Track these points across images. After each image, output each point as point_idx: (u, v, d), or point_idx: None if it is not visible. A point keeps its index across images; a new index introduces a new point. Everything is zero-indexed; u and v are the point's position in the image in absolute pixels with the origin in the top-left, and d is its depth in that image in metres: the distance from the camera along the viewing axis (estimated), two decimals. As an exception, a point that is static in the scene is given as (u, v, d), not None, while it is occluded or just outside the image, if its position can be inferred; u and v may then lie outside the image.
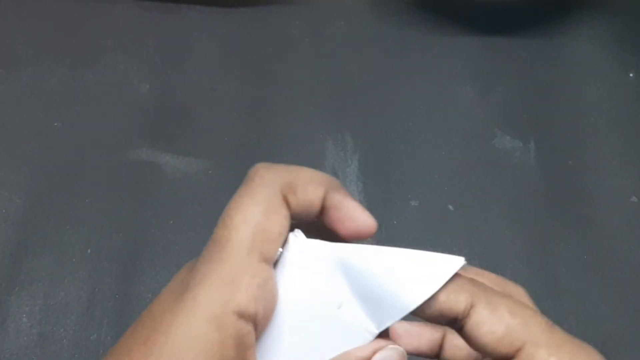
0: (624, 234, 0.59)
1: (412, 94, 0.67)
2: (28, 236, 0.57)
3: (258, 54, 0.69)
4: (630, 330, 0.54)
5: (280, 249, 0.25)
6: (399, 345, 0.27)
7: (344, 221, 0.26)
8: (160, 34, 0.70)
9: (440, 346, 0.31)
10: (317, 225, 0.27)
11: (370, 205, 0.59)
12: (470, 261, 0.61)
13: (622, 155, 0.64)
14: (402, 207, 0.60)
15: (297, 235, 0.26)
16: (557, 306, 0.55)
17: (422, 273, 0.25)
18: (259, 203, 0.24)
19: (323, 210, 0.26)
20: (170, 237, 0.57)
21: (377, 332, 0.26)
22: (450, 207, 0.60)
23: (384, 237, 0.58)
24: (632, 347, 0.53)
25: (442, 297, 0.25)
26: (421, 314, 0.25)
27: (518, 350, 0.24)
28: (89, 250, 0.56)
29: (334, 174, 0.61)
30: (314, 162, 0.62)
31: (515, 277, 0.56)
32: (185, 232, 0.58)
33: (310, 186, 0.25)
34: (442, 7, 0.73)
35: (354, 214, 0.26)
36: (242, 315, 0.23)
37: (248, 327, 0.23)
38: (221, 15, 0.72)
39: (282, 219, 0.24)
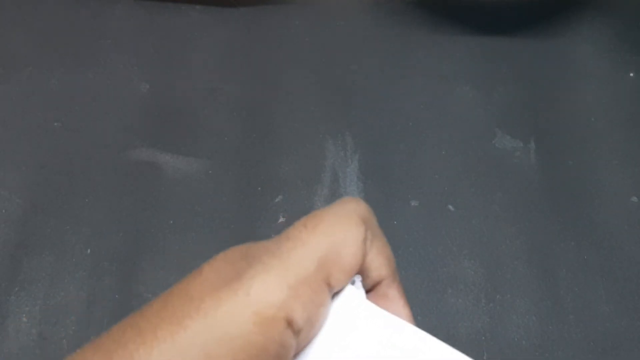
0: (624, 233, 0.59)
1: (412, 94, 0.67)
2: (28, 236, 0.57)
3: (258, 54, 0.69)
4: (631, 330, 0.54)
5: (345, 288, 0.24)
6: None
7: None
8: (160, 34, 0.70)
9: None
10: None
11: (370, 205, 0.59)
12: (470, 261, 0.61)
13: (623, 155, 0.64)
14: (402, 207, 0.60)
15: (357, 287, 0.24)
16: (557, 306, 0.55)
17: None
18: (347, 232, 0.22)
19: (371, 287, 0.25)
20: (170, 237, 0.57)
21: None
22: (451, 207, 0.60)
23: (384, 237, 0.58)
24: (633, 347, 0.53)
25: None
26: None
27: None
28: (89, 250, 0.56)
29: (334, 174, 0.61)
30: (314, 162, 0.62)
31: (515, 277, 0.56)
32: (185, 232, 0.58)
33: (378, 264, 0.24)
34: (442, 7, 0.73)
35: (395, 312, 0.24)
36: (290, 325, 0.21)
37: (292, 341, 0.21)
38: (221, 15, 0.72)
39: (358, 259, 0.22)
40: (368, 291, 0.25)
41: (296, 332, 0.21)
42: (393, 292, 0.24)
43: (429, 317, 0.54)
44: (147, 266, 0.56)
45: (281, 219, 0.59)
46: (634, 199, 0.61)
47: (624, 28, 0.72)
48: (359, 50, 0.70)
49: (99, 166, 0.61)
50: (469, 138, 0.64)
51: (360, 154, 0.63)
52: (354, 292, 0.24)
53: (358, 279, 0.24)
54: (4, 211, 0.58)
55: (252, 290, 0.20)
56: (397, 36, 0.71)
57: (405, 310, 0.25)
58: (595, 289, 0.56)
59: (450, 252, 0.57)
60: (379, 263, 0.24)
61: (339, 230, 0.22)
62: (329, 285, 0.22)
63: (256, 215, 0.59)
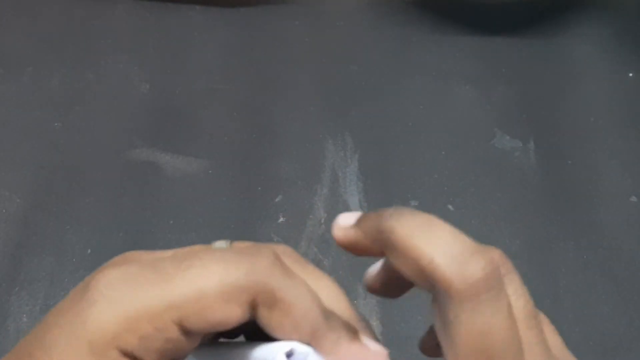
0: (623, 233, 0.59)
1: (412, 94, 0.67)
2: (28, 236, 0.57)
3: (258, 54, 0.69)
4: (630, 330, 0.54)
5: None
6: None
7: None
8: (160, 34, 0.70)
9: None
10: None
11: (370, 205, 0.59)
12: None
13: (622, 155, 0.64)
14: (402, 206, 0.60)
15: (293, 354, 0.21)
16: (557, 306, 0.55)
17: None
18: (226, 282, 0.20)
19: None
20: (170, 237, 0.57)
21: None
22: (450, 207, 0.60)
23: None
24: (632, 346, 0.53)
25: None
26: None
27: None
28: (89, 250, 0.56)
29: (334, 174, 0.61)
30: (314, 162, 0.62)
31: (515, 277, 0.56)
32: (185, 232, 0.58)
33: (291, 318, 0.21)
34: (442, 7, 0.73)
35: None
36: (127, 355, 0.20)
37: None
38: (221, 15, 0.72)
39: (232, 314, 0.20)
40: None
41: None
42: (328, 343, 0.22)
43: (429, 317, 0.54)
44: (147, 266, 0.56)
45: (281, 219, 0.59)
46: (633, 198, 0.61)
47: (623, 28, 0.72)
48: (359, 50, 0.70)
49: (99, 166, 0.61)
50: (468, 138, 0.64)
51: (360, 154, 0.63)
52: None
53: (297, 348, 0.21)
54: (4, 211, 0.58)
55: (88, 319, 0.20)
56: (397, 36, 0.71)
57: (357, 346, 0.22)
58: (594, 289, 0.56)
59: (450, 252, 0.57)
60: (286, 329, 0.21)
61: (213, 281, 0.20)
62: (181, 326, 0.20)
63: (256, 215, 0.59)
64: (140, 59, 0.68)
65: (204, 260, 0.21)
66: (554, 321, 0.54)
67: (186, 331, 0.20)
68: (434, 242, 0.22)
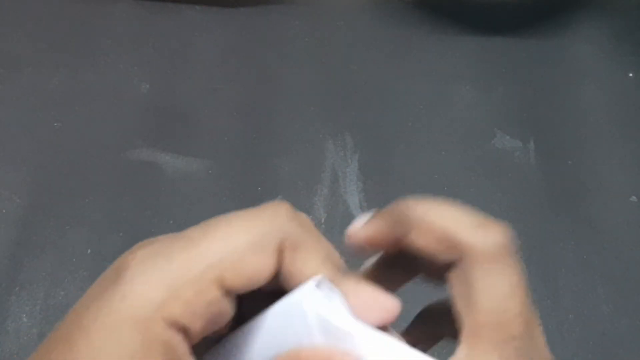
0: (623, 233, 0.59)
1: (412, 94, 0.67)
2: (28, 236, 0.57)
3: (258, 54, 0.69)
4: (630, 329, 0.54)
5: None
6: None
7: (367, 309, 0.22)
8: (160, 34, 0.70)
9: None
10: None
11: (370, 205, 0.59)
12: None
13: (622, 155, 0.64)
14: (402, 207, 0.60)
15: (320, 285, 0.22)
16: (557, 306, 0.55)
17: None
18: (252, 236, 0.21)
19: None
20: (170, 237, 0.57)
21: None
22: (450, 207, 0.60)
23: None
24: (632, 346, 0.53)
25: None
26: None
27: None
28: (89, 250, 0.56)
29: (334, 174, 0.61)
30: (314, 162, 0.62)
31: (515, 277, 0.56)
32: (185, 232, 0.58)
33: (312, 258, 0.22)
34: (442, 7, 0.73)
35: (377, 301, 0.22)
36: (174, 325, 0.20)
37: (178, 338, 0.21)
38: (221, 15, 0.72)
39: (263, 265, 0.21)
40: None
41: (182, 330, 0.21)
42: (351, 284, 0.23)
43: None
44: (147, 266, 0.56)
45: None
46: (633, 198, 0.61)
47: (623, 29, 0.72)
48: (359, 50, 0.70)
49: (99, 166, 0.61)
50: (468, 138, 0.64)
51: (360, 154, 0.63)
52: (310, 289, 0.22)
53: (325, 280, 0.23)
54: (4, 211, 0.58)
55: (128, 294, 0.20)
56: (397, 36, 0.71)
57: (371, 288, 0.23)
58: (594, 289, 0.56)
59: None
60: (312, 266, 0.22)
61: (242, 235, 0.21)
62: (222, 287, 0.21)
63: (256, 215, 0.59)
64: (140, 58, 0.68)
65: (228, 220, 0.21)
66: (554, 321, 0.54)
67: (225, 290, 0.21)
68: (455, 215, 0.24)
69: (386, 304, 0.22)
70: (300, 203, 0.59)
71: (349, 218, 0.58)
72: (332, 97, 0.67)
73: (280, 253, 0.22)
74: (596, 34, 0.72)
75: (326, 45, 0.71)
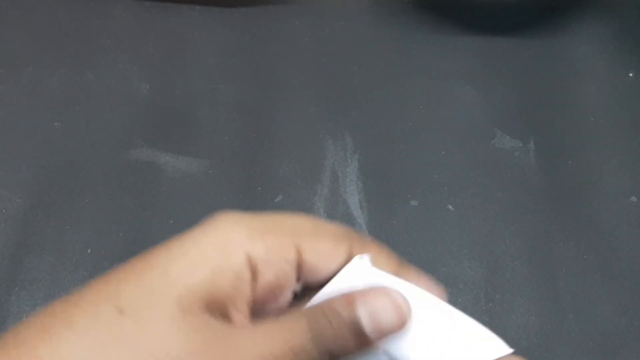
0: (624, 233, 0.59)
1: (412, 94, 0.67)
2: (28, 236, 0.57)
3: (258, 53, 0.69)
4: (631, 330, 0.54)
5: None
6: None
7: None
8: (160, 34, 0.70)
9: None
10: None
11: (370, 205, 0.59)
12: (470, 261, 0.61)
13: (622, 155, 0.64)
14: (402, 207, 0.60)
15: (363, 259, 0.25)
16: (556, 306, 0.55)
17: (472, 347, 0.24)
18: (327, 226, 0.24)
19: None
20: (170, 237, 0.57)
21: None
22: (450, 207, 0.60)
23: (384, 237, 0.58)
24: (633, 347, 0.53)
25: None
26: None
27: None
28: (89, 250, 0.56)
29: (334, 174, 0.61)
30: (314, 162, 0.62)
31: (514, 277, 0.56)
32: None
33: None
34: (442, 6, 0.73)
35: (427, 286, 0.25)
36: (250, 262, 0.23)
37: (248, 276, 0.23)
38: (221, 15, 0.72)
39: (333, 248, 0.24)
40: None
41: (254, 271, 0.22)
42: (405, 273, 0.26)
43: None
44: (147, 266, 0.56)
45: (281, 219, 0.59)
46: (633, 198, 0.61)
47: (623, 28, 0.72)
48: (359, 50, 0.70)
49: (99, 166, 0.61)
50: (468, 138, 0.64)
51: (360, 154, 0.63)
52: (360, 261, 0.24)
53: (367, 257, 0.25)
54: (4, 211, 0.58)
55: (218, 225, 0.24)
56: (397, 36, 0.71)
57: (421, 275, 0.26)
58: (594, 289, 0.56)
59: (450, 252, 0.57)
60: (380, 257, 0.25)
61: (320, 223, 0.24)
62: (297, 249, 0.23)
63: (256, 215, 0.59)
64: (140, 58, 0.68)
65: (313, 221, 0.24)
66: (553, 321, 0.54)
67: (299, 263, 0.23)
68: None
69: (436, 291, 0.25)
70: (300, 203, 0.59)
71: (349, 218, 0.58)
72: (332, 97, 0.67)
73: (349, 254, 0.24)
74: (597, 33, 0.72)
75: (326, 45, 0.70)
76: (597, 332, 0.54)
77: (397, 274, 0.26)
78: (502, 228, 0.59)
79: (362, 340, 0.22)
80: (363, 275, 0.24)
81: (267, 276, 0.23)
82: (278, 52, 0.69)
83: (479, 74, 0.69)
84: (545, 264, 0.57)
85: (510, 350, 0.24)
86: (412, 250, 0.57)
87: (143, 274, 0.23)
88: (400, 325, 0.23)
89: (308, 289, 0.25)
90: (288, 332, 0.21)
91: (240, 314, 0.22)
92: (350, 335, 0.22)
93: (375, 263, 0.26)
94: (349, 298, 0.23)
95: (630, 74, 0.69)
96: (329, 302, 0.23)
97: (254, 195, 0.60)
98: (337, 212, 0.59)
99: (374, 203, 0.59)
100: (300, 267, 0.23)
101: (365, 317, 0.22)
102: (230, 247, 0.23)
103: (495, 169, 0.62)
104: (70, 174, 0.60)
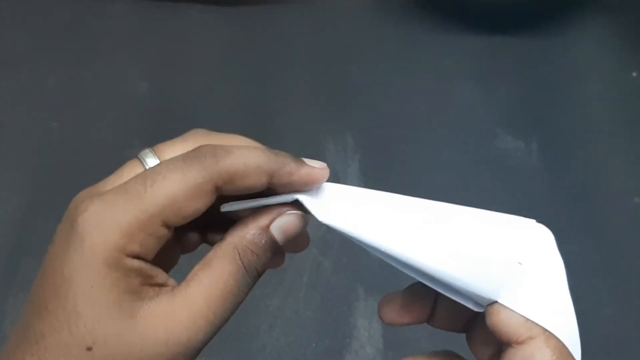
0: (627, 234, 0.58)
1: (413, 94, 0.67)
2: (26, 237, 0.56)
3: (258, 53, 0.69)
4: (634, 332, 0.53)
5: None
6: None
7: (303, 183, 0.28)
8: (159, 33, 0.70)
9: (431, 313, 0.32)
10: None
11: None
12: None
13: (625, 156, 0.63)
14: (403, 208, 0.59)
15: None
16: (559, 308, 0.54)
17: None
18: (187, 184, 0.25)
19: (272, 185, 0.28)
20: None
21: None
22: (452, 207, 0.59)
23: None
24: (636, 349, 0.53)
25: None
26: None
27: None
28: (87, 251, 0.56)
29: (334, 174, 0.61)
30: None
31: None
32: (184, 233, 0.57)
33: (250, 177, 0.27)
34: (443, 6, 0.72)
35: (310, 174, 0.28)
36: (135, 257, 0.25)
37: (141, 263, 0.25)
38: (221, 15, 0.71)
39: (201, 204, 0.26)
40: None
41: (141, 259, 0.25)
42: (286, 177, 0.28)
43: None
44: (145, 267, 0.55)
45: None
46: (637, 199, 0.61)
47: (626, 27, 0.72)
48: (359, 50, 0.70)
49: (96, 166, 0.60)
50: (470, 138, 0.64)
51: (361, 154, 0.62)
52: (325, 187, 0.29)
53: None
54: (1, 212, 0.58)
55: (96, 242, 0.25)
56: (397, 36, 0.71)
57: (302, 166, 0.29)
58: (597, 291, 0.55)
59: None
60: (249, 181, 0.27)
61: (178, 186, 0.25)
62: (167, 225, 0.25)
63: (256, 216, 0.58)
64: (139, 57, 0.68)
65: (162, 174, 0.25)
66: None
67: (170, 226, 0.26)
68: None
69: (316, 172, 0.29)
70: (301, 204, 0.59)
71: (349, 219, 0.58)
72: (332, 97, 0.66)
73: (218, 189, 0.26)
74: (599, 33, 0.71)
75: (326, 45, 0.70)
76: (600, 335, 0.53)
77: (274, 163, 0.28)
78: (504, 229, 0.59)
79: (277, 249, 0.28)
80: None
81: (151, 254, 0.25)
82: (278, 52, 0.69)
83: (481, 74, 0.68)
84: (548, 265, 0.57)
85: None
86: (413, 252, 0.57)
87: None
88: (301, 227, 0.29)
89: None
90: (227, 276, 0.26)
91: (167, 279, 0.26)
92: (269, 252, 0.28)
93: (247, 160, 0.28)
94: (262, 225, 0.28)
95: (634, 74, 0.69)
96: (250, 238, 0.27)
97: (254, 196, 0.59)
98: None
99: (374, 204, 0.59)
100: (171, 228, 0.26)
101: (278, 234, 0.28)
102: (116, 259, 0.25)
103: (497, 169, 0.62)
104: (67, 174, 0.60)
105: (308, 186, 0.28)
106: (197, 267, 0.27)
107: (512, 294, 0.27)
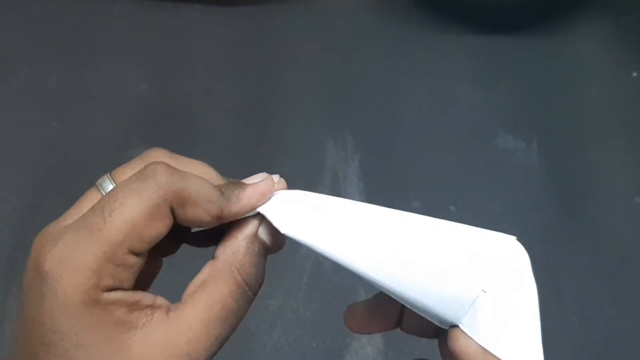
0: (627, 234, 0.58)
1: (413, 94, 0.67)
2: (25, 237, 0.56)
3: (258, 53, 0.69)
4: (634, 331, 0.53)
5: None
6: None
7: (255, 201, 0.28)
8: (159, 33, 0.70)
9: (400, 320, 0.32)
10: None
11: (371, 205, 0.58)
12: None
13: (626, 156, 0.63)
14: (403, 208, 0.59)
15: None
16: (559, 307, 0.54)
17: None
18: (145, 206, 0.25)
19: (223, 219, 0.27)
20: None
21: None
22: (452, 207, 0.59)
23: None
24: (636, 348, 0.53)
25: None
26: None
27: None
28: (87, 251, 0.56)
29: (334, 174, 0.61)
30: (314, 162, 0.61)
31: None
32: (184, 233, 0.57)
33: (200, 206, 0.26)
34: (443, 6, 0.72)
35: (255, 190, 0.28)
36: (111, 290, 0.25)
37: (118, 294, 0.25)
38: (221, 15, 0.71)
39: (162, 227, 0.25)
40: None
41: (117, 289, 0.25)
42: (236, 209, 0.27)
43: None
44: (145, 267, 0.55)
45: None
46: (637, 199, 0.60)
47: (626, 28, 0.72)
48: (359, 50, 0.70)
49: (96, 166, 0.60)
50: (470, 138, 0.64)
51: (361, 154, 0.62)
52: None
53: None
54: (1, 212, 0.57)
55: (67, 288, 0.24)
56: (398, 36, 0.71)
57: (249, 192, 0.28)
58: (598, 291, 0.55)
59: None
60: (199, 212, 0.26)
61: (136, 211, 0.25)
62: (132, 252, 0.25)
63: (256, 216, 0.58)
64: (139, 58, 0.68)
65: (120, 200, 0.25)
66: (557, 323, 0.54)
67: (136, 254, 0.25)
68: None
69: (262, 188, 0.28)
70: (301, 204, 0.59)
71: (349, 219, 0.58)
72: (332, 97, 0.66)
73: (173, 211, 0.26)
74: (600, 33, 0.71)
75: (326, 45, 0.70)
76: (600, 334, 0.53)
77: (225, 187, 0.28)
78: (504, 229, 0.58)
79: (268, 252, 0.28)
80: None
81: (127, 282, 0.25)
82: (278, 52, 0.69)
83: (482, 74, 0.68)
84: (548, 265, 0.57)
85: None
86: (413, 252, 0.57)
87: None
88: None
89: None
90: (225, 295, 0.26)
91: (154, 300, 0.26)
92: (264, 258, 0.28)
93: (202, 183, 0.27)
94: (251, 234, 0.28)
95: (634, 74, 0.69)
96: (244, 251, 0.27)
97: (254, 196, 0.59)
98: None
99: (374, 203, 0.59)
100: (139, 254, 0.25)
101: (267, 237, 0.28)
102: (93, 299, 0.24)
103: (497, 170, 0.62)
104: (67, 174, 0.60)
105: (260, 202, 0.28)
106: (191, 288, 0.26)
107: (473, 321, 0.27)
